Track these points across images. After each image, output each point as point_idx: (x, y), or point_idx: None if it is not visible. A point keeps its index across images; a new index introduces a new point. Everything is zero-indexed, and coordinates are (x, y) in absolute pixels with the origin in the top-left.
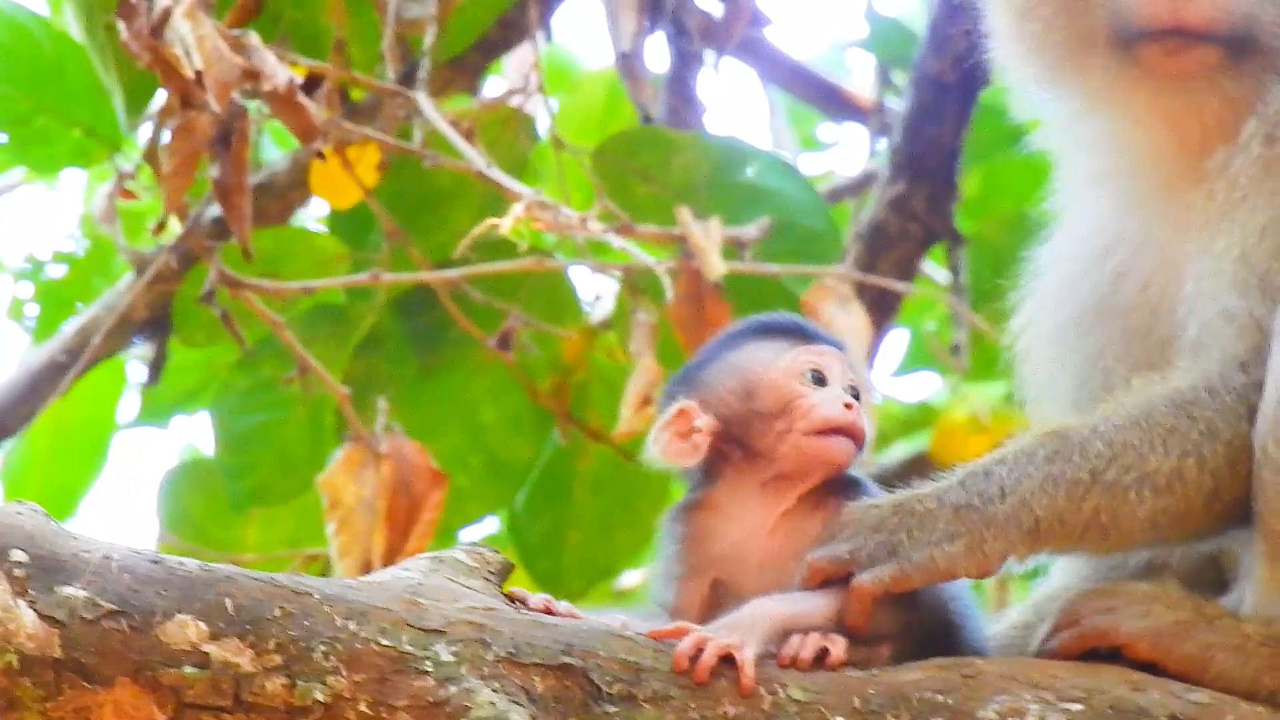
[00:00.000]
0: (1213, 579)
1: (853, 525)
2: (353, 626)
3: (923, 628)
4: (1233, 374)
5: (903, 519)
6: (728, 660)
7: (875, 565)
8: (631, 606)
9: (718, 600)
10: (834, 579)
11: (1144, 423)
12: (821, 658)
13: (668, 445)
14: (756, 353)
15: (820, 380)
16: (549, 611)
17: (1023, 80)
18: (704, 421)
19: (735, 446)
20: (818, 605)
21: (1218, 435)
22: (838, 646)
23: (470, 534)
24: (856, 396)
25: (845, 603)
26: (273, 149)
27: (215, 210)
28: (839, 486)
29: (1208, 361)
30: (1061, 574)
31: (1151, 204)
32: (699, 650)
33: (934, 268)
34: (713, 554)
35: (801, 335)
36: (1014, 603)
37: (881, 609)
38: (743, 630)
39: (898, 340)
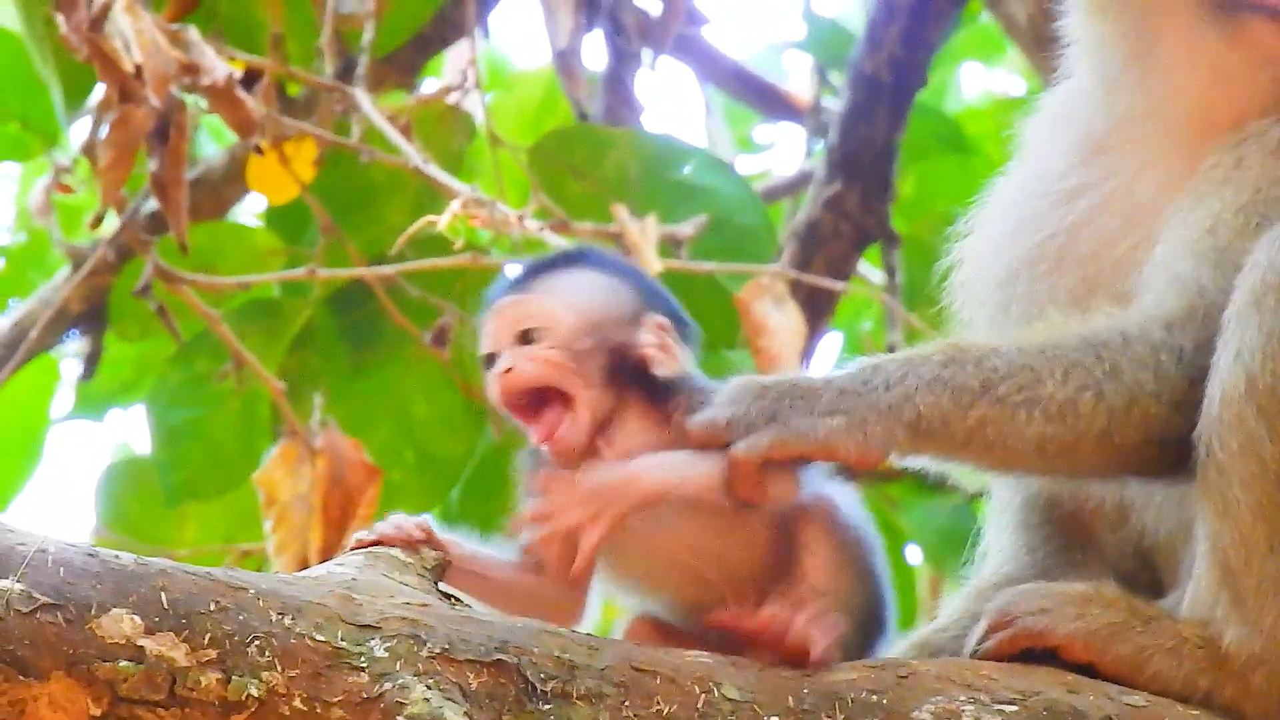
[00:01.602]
0: (1148, 581)
1: (733, 392)
2: (287, 622)
3: (860, 602)
4: (1153, 329)
5: (785, 390)
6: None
7: (753, 432)
8: None
9: None
10: (711, 446)
11: (1049, 352)
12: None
13: None
14: None
15: (491, 361)
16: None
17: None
18: None
19: None
20: (699, 473)
21: (1120, 377)
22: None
23: None
24: (525, 339)
25: (730, 472)
26: (210, 144)
27: (152, 204)
28: (670, 396)
29: (1133, 312)
30: (996, 561)
31: (1152, 159)
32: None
33: (869, 268)
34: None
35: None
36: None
37: (772, 476)
38: (607, 497)
39: (833, 341)
